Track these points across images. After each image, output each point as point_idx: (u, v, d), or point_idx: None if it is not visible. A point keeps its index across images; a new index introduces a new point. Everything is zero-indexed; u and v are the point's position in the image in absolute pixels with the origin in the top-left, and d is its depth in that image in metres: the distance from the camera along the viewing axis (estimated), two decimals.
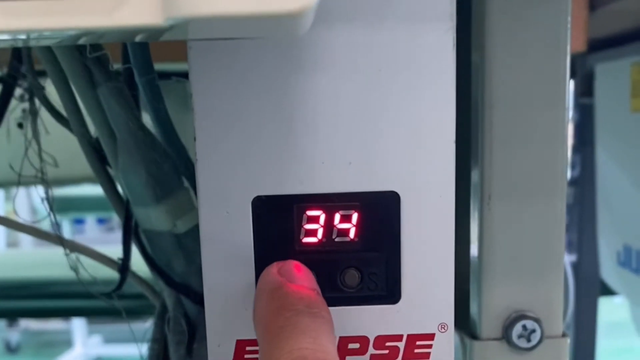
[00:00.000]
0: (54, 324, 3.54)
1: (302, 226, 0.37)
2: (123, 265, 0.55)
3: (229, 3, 0.21)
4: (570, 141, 1.10)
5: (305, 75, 0.35)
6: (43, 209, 0.55)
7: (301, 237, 0.37)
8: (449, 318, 0.38)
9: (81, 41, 0.28)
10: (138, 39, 0.26)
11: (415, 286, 0.37)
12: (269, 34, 0.26)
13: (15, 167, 0.54)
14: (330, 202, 0.36)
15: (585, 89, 1.02)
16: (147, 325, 0.59)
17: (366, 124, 0.36)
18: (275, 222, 0.36)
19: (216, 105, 0.35)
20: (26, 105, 0.55)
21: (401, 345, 0.38)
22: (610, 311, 2.14)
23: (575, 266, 1.12)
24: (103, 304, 0.58)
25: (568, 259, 1.07)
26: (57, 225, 0.56)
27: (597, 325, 1.16)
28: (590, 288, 1.13)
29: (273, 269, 0.35)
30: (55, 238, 0.56)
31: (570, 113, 1.08)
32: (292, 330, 0.31)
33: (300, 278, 0.35)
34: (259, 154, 0.36)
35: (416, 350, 0.38)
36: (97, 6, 0.21)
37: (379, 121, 0.36)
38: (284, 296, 0.33)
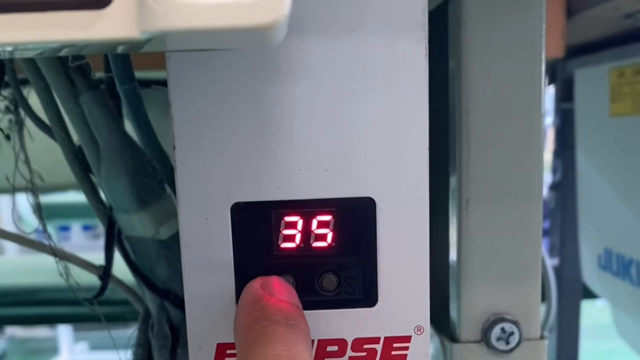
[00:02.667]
0: (40, 331, 3.52)
1: (280, 232, 0.37)
2: (105, 271, 0.55)
3: (202, 17, 0.22)
4: (551, 146, 1.11)
5: (282, 83, 0.35)
6: (29, 216, 0.55)
7: (279, 243, 0.37)
8: (425, 321, 0.38)
9: (62, 53, 0.28)
10: (119, 50, 0.26)
11: (391, 290, 0.38)
12: (244, 45, 0.26)
13: (3, 177, 0.54)
14: (308, 208, 0.37)
15: (566, 94, 1.03)
16: (131, 332, 0.59)
17: (342, 131, 0.36)
18: (254, 227, 0.37)
19: (194, 114, 0.36)
20: (12, 116, 0.55)
21: (378, 347, 0.38)
22: (593, 314, 2.15)
23: (558, 270, 1.13)
24: (89, 310, 0.58)
25: (550, 262, 1.08)
26: (47, 234, 0.56)
27: (579, 328, 1.16)
28: (572, 291, 1.14)
29: (256, 283, 0.36)
30: (42, 245, 0.57)
31: (551, 118, 1.09)
32: (267, 338, 0.32)
33: (281, 293, 0.35)
34: (237, 162, 0.36)
35: (393, 353, 0.38)
36: (75, 20, 0.22)
37: (354, 129, 0.36)
38: (263, 308, 0.34)
